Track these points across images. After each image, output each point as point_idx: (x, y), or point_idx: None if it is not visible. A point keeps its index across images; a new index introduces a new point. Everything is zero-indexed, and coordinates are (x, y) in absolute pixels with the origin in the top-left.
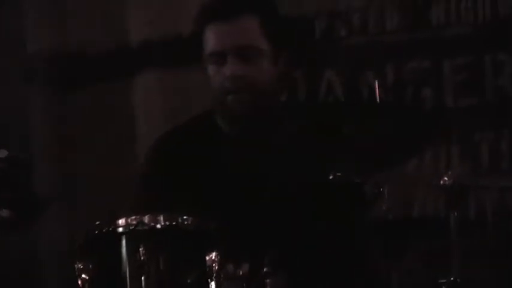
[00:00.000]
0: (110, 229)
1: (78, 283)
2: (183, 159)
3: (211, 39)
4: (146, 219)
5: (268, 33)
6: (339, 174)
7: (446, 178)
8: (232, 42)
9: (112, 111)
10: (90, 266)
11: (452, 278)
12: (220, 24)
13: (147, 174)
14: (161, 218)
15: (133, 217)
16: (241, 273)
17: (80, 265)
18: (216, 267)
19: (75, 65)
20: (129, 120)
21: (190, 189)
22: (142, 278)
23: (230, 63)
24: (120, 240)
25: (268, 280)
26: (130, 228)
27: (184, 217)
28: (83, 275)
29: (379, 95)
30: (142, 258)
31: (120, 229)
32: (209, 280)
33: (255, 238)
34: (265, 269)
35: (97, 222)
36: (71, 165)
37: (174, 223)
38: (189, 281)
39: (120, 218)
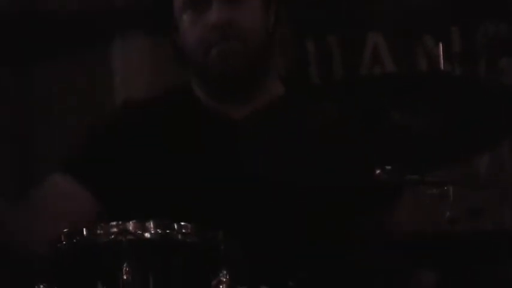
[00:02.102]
0: (83, 239)
1: None
2: (144, 141)
3: None
4: (131, 226)
5: None
6: (388, 167)
7: None
8: None
9: (84, 88)
10: None
11: None
12: None
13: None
14: (151, 224)
15: (114, 223)
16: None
17: (41, 287)
18: None
19: (37, 29)
20: (108, 101)
21: (161, 187)
22: None
23: (215, 6)
24: (96, 254)
25: None
26: (111, 237)
27: (182, 224)
28: None
29: (442, 66)
30: (125, 277)
31: (97, 239)
32: None
33: (276, 255)
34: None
35: (65, 230)
36: (31, 160)
37: (167, 231)
38: None
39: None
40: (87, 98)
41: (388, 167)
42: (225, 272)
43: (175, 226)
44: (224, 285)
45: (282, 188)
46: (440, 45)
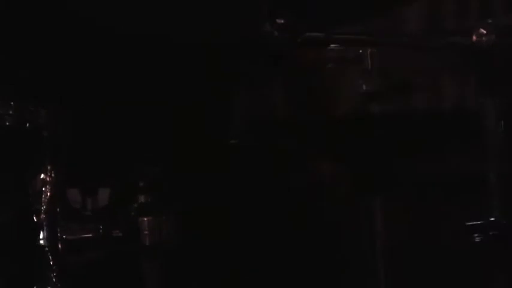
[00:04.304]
0: None
1: None
2: None
3: None
4: None
5: None
6: (280, 21)
7: (483, 32)
8: None
9: None
10: None
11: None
12: None
13: None
14: None
15: None
16: (95, 206)
17: None
18: (48, 196)
19: None
20: None
21: None
22: None
23: None
24: None
25: (146, 219)
26: None
27: None
28: None
29: None
30: None
31: None
32: (34, 219)
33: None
34: (139, 200)
35: None
36: None
37: None
38: None
39: None
40: None
41: (280, 21)
42: (49, 167)
43: None
44: (48, 186)
45: (150, 45)
46: None
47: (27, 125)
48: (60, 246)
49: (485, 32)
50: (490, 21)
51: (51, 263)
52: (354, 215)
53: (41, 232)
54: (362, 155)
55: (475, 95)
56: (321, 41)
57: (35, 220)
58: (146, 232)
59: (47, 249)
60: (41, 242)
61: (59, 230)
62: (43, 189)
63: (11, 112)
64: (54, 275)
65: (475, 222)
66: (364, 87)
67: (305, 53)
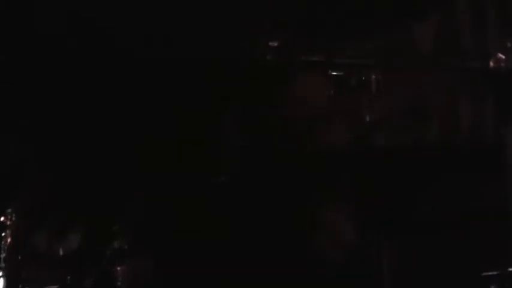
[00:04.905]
0: None
1: None
2: None
3: None
4: None
5: None
6: (274, 44)
7: (498, 57)
8: None
9: None
10: None
11: None
12: None
13: None
14: None
15: None
16: (62, 253)
17: None
18: (8, 242)
19: None
20: None
21: None
22: None
23: None
24: None
25: (119, 268)
26: None
27: None
28: None
29: None
30: None
31: None
32: None
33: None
34: (114, 246)
35: None
36: None
37: None
38: None
39: None
40: None
41: (274, 44)
42: (9, 210)
43: None
44: (8, 230)
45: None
46: None
47: None
48: None
49: (503, 57)
50: (509, 45)
51: None
52: (358, 253)
53: None
54: (366, 192)
55: (493, 125)
56: (320, 65)
57: None
58: (119, 283)
59: None
60: None
61: (20, 280)
62: (3, 233)
63: None
64: None
65: (491, 273)
66: (368, 116)
67: (303, 77)
